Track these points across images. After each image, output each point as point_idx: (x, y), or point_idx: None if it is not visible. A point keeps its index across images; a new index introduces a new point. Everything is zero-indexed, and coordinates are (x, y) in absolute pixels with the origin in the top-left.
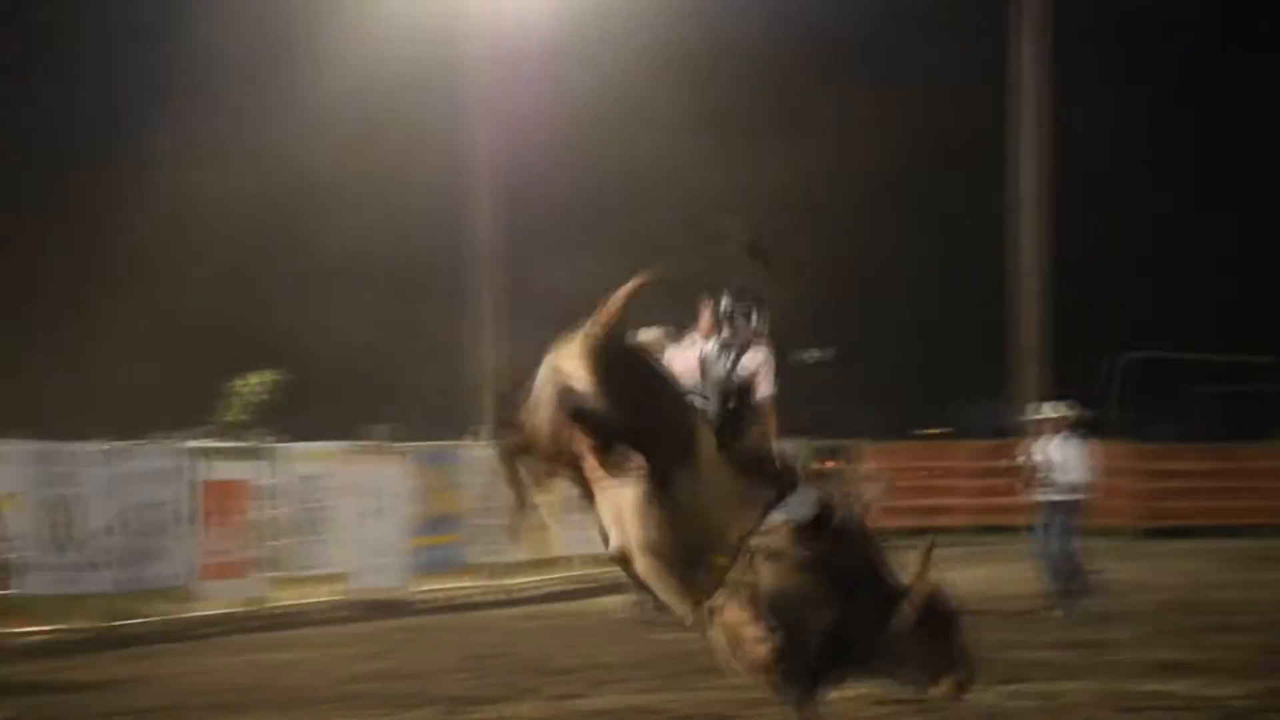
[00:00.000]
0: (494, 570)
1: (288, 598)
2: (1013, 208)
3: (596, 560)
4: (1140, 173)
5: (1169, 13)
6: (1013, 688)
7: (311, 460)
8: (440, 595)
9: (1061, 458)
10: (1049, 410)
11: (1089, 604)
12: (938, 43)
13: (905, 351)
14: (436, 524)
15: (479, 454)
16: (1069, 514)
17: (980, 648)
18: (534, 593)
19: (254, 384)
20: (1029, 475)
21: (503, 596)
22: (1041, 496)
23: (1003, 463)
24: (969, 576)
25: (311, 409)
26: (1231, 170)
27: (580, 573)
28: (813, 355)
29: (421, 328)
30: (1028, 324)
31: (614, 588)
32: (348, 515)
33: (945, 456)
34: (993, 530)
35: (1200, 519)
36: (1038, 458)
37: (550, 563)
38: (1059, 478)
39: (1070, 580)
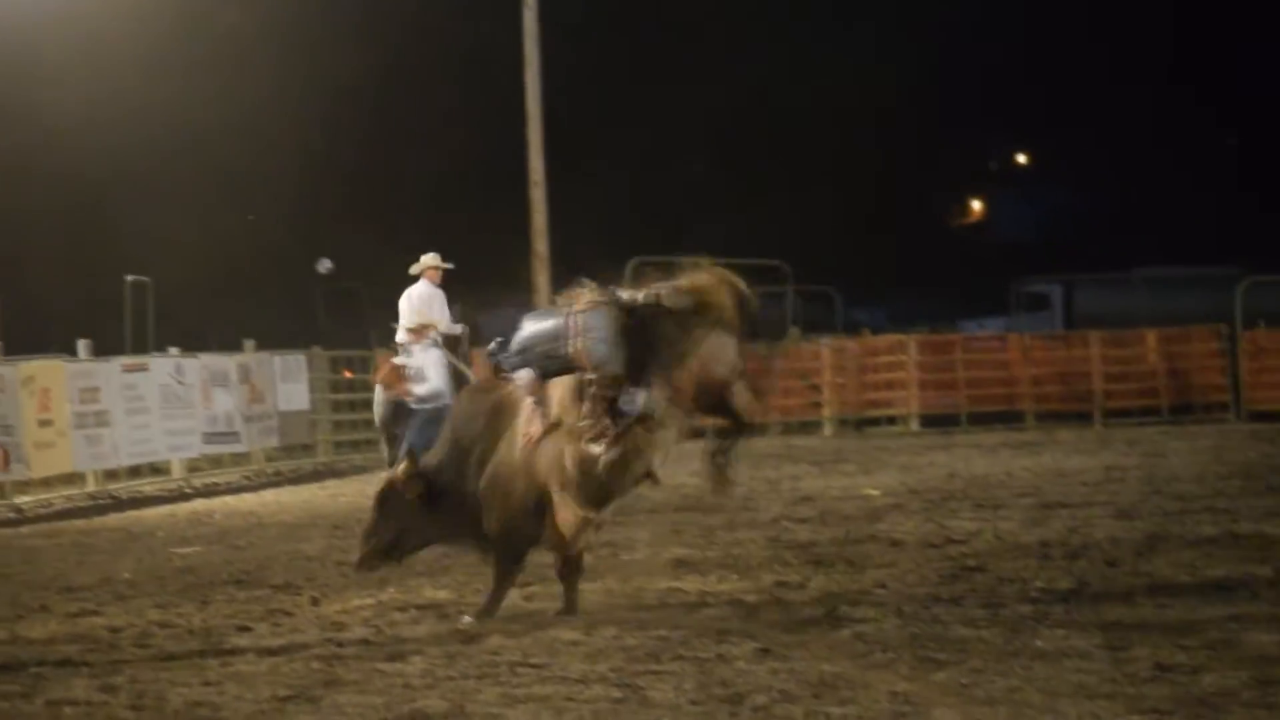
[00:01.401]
0: (4, 489)
1: None
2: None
3: (111, 476)
4: None
5: None
6: (529, 590)
7: None
8: None
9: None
10: (425, 260)
11: None
12: None
13: None
14: None
15: None
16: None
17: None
18: (45, 510)
19: None
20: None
21: (12, 515)
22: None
23: None
24: None
25: None
26: None
27: (95, 489)
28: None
29: None
30: (537, 232)
31: (129, 504)
32: None
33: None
34: None
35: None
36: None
37: (64, 479)
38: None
39: None
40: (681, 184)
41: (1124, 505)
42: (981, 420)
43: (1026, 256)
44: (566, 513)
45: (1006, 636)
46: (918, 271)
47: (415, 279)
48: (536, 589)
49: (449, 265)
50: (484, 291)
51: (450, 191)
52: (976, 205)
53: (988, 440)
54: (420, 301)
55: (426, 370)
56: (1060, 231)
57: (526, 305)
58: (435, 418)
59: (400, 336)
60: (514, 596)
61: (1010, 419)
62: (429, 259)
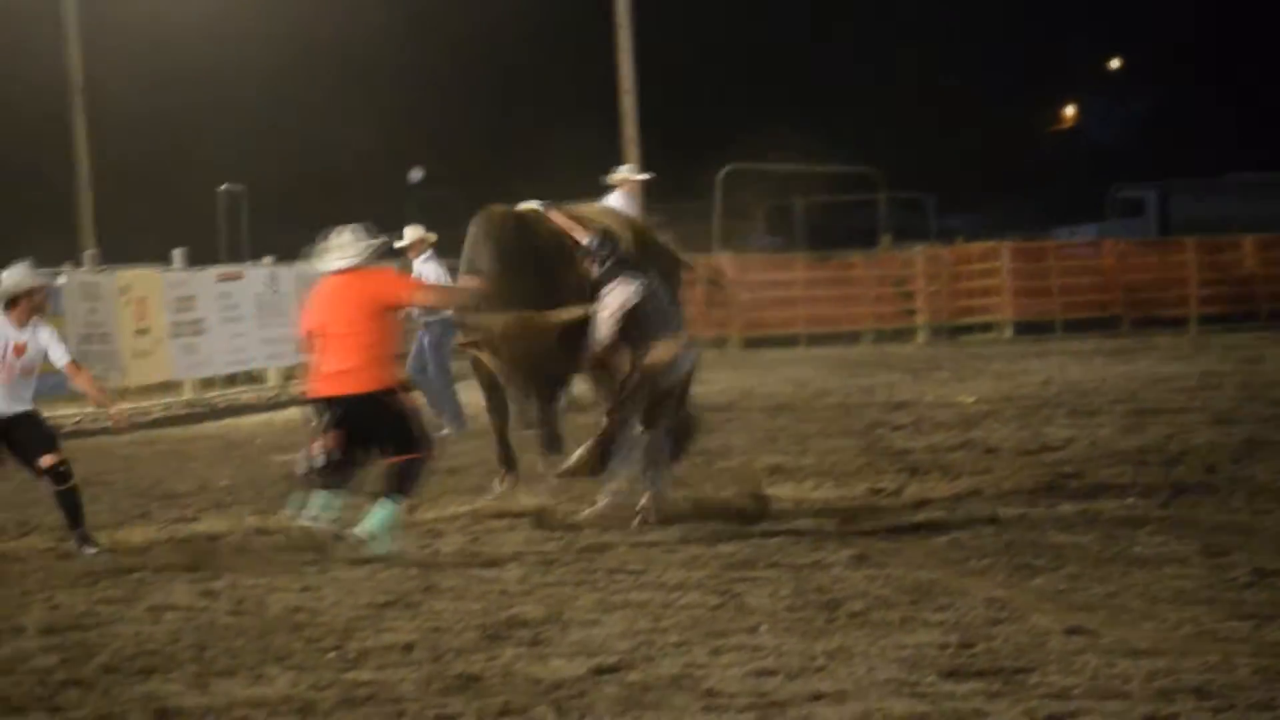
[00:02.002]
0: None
1: None
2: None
3: (207, 385)
4: None
5: None
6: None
7: None
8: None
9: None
10: (409, 234)
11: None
12: None
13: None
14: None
15: (82, 280)
16: (441, 336)
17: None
18: (144, 418)
19: None
20: None
21: (111, 424)
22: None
23: None
24: None
25: None
26: None
27: (192, 398)
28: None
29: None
30: (628, 140)
31: (226, 412)
32: None
33: None
34: None
35: (802, 328)
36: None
37: (161, 387)
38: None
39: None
40: (771, 92)
41: (1221, 411)
42: (1076, 327)
43: (1121, 162)
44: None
45: (1104, 542)
46: (1011, 178)
47: (609, 190)
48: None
49: (646, 176)
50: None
51: (533, 103)
52: (1070, 111)
53: (1083, 347)
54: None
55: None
56: (1155, 137)
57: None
58: (445, 333)
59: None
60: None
61: (1105, 325)
62: (626, 170)
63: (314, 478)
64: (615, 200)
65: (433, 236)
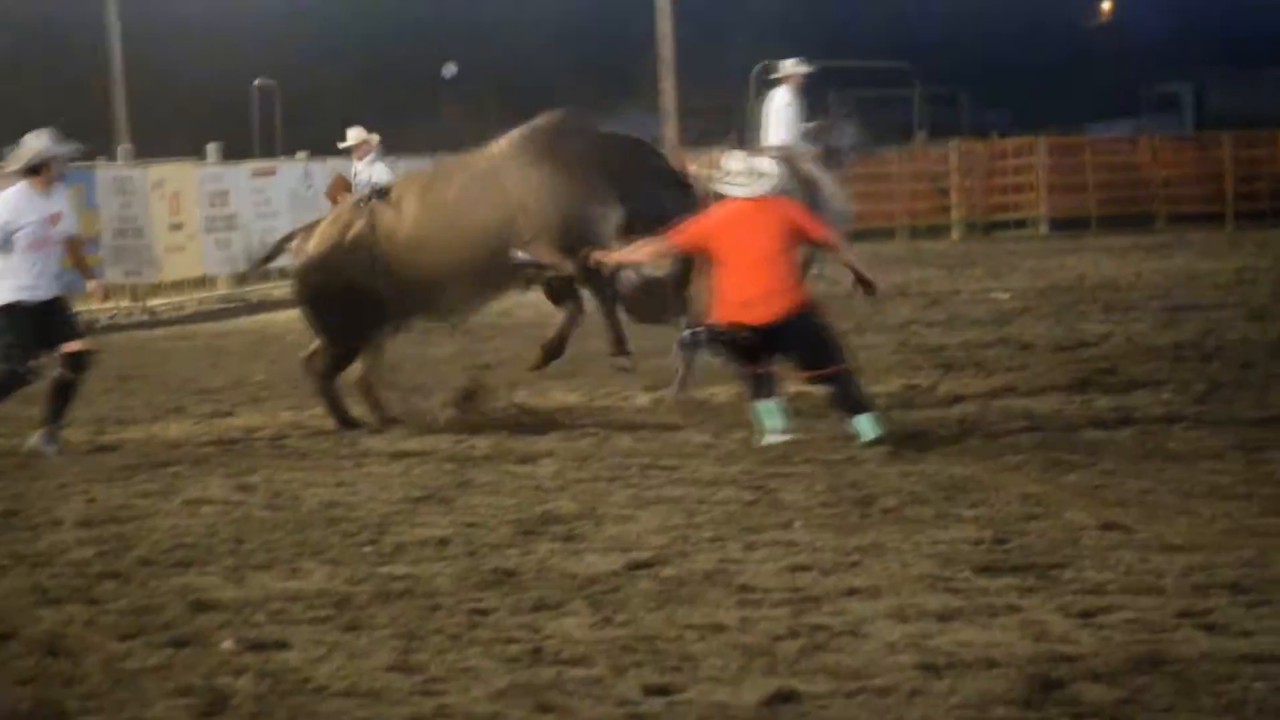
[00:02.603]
0: (136, 291)
1: None
2: None
3: (239, 280)
4: None
5: None
6: (658, 394)
7: None
8: (81, 317)
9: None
10: (353, 135)
11: None
12: None
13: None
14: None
15: (116, 174)
16: None
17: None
18: (178, 314)
19: None
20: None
21: (146, 318)
22: None
23: None
24: None
25: None
26: None
27: (225, 293)
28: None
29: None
30: (663, 36)
31: (260, 307)
32: None
33: None
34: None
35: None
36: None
37: (195, 283)
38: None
39: None
40: None
41: (1256, 307)
42: (1111, 223)
43: (1156, 57)
44: None
45: (1139, 439)
46: (1046, 73)
47: (776, 84)
48: (664, 394)
49: (811, 68)
50: (606, 99)
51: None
52: (1105, 5)
53: (1118, 243)
54: (784, 111)
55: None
56: (1190, 32)
57: (652, 112)
58: None
59: (772, 140)
60: (643, 400)
61: (1140, 221)
62: (791, 64)
63: (761, 391)
64: (781, 96)
65: (375, 138)
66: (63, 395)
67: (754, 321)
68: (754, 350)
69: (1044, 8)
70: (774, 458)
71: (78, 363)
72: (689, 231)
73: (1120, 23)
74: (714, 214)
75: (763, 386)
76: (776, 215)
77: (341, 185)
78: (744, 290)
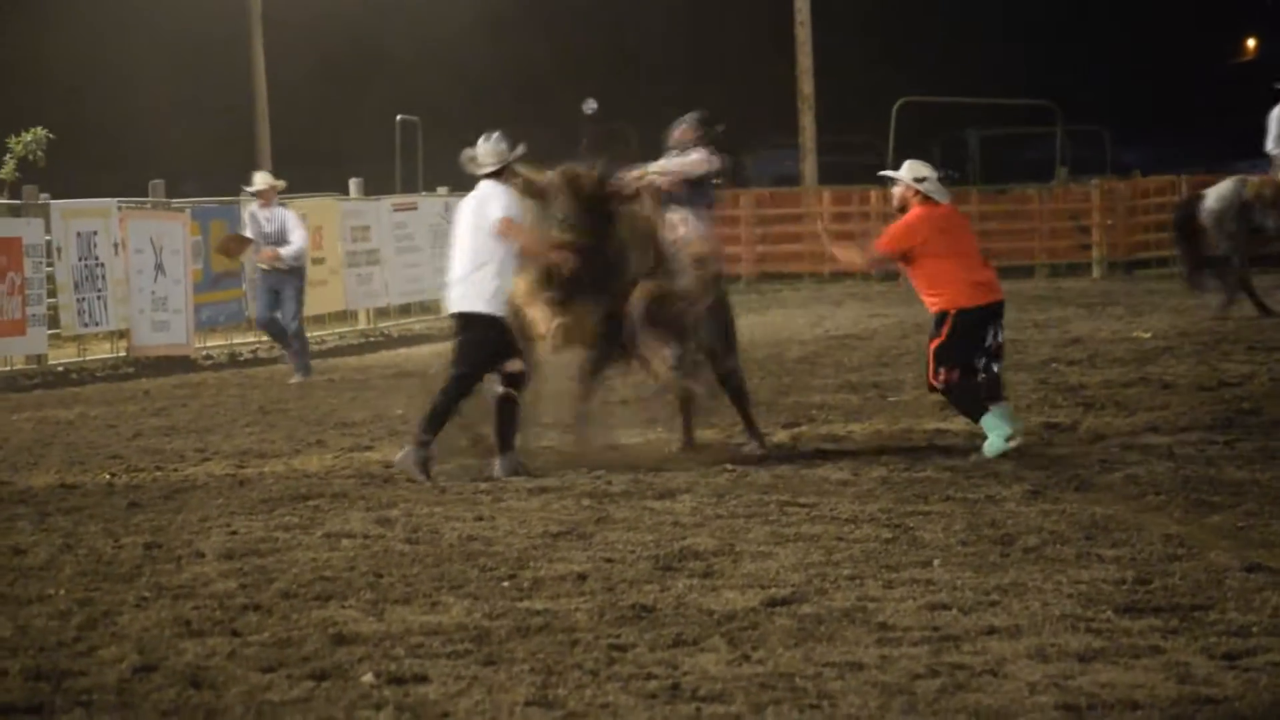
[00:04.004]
0: None
1: (69, 355)
2: None
3: (382, 315)
4: None
5: None
6: (797, 430)
7: (88, 217)
8: (223, 351)
9: (275, 228)
10: (259, 180)
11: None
12: None
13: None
14: (218, 280)
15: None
16: (291, 282)
17: (765, 392)
18: (319, 347)
19: (27, 141)
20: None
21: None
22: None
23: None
24: (747, 324)
25: (91, 166)
26: None
27: (366, 327)
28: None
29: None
30: (803, 72)
31: (400, 341)
32: (128, 272)
33: (727, 205)
34: (772, 278)
35: None
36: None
37: (336, 317)
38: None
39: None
40: (943, 26)
41: None
42: (1254, 263)
43: None
44: None
45: None
46: (1189, 112)
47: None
48: (804, 429)
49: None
50: (749, 133)
51: (712, 33)
52: (1251, 43)
53: (1261, 283)
54: None
55: (289, 230)
56: None
57: (791, 146)
58: (301, 283)
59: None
60: (782, 437)
61: None
62: None
63: (987, 393)
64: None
65: (282, 184)
66: (508, 416)
67: (991, 300)
68: (977, 350)
69: (1189, 44)
70: (912, 495)
71: (515, 381)
72: (897, 235)
73: (1266, 59)
74: (920, 217)
75: (992, 390)
76: (963, 216)
77: (235, 242)
78: (975, 273)
